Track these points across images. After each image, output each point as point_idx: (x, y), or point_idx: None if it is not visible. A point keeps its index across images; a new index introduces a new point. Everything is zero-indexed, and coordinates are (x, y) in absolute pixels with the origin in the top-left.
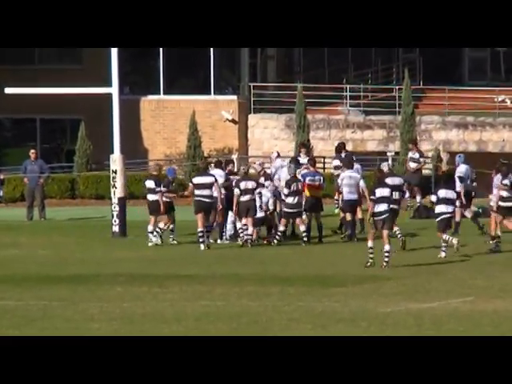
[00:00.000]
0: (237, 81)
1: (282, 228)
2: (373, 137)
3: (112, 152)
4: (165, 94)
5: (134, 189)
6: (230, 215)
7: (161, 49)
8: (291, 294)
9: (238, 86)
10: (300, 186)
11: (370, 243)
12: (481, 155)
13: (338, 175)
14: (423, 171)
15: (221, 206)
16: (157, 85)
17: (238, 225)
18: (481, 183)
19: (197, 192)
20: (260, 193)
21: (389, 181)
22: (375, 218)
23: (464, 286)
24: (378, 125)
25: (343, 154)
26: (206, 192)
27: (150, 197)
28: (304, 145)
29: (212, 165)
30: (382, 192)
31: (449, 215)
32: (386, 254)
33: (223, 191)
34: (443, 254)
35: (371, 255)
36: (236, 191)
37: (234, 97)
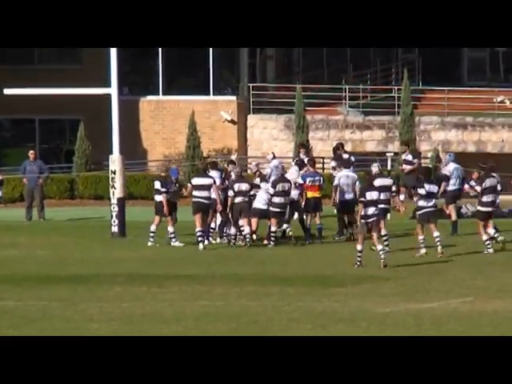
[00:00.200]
0: (236, 81)
1: (273, 228)
2: (372, 137)
3: (111, 152)
4: (164, 94)
5: (133, 189)
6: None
7: (160, 49)
8: (291, 294)
9: (237, 86)
10: (287, 187)
11: (359, 247)
12: (480, 155)
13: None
14: None
15: (220, 208)
16: (156, 85)
17: (233, 230)
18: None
19: (195, 193)
20: (254, 195)
21: (379, 182)
22: (363, 221)
23: (463, 286)
24: (377, 125)
25: (345, 156)
26: (204, 193)
27: (157, 197)
28: (303, 145)
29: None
30: (370, 196)
31: (430, 209)
32: (381, 253)
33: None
34: (423, 251)
35: (359, 258)
36: (230, 193)
37: (233, 97)
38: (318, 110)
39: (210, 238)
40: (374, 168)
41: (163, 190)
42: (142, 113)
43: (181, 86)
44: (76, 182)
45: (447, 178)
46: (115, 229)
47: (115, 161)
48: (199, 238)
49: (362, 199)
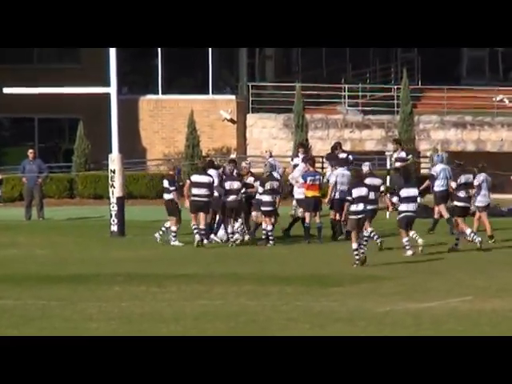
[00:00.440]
0: (235, 80)
1: (269, 227)
2: (371, 136)
3: (110, 151)
4: (163, 93)
5: (132, 188)
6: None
7: (159, 49)
8: (289, 293)
9: (237, 85)
10: (276, 186)
11: (354, 245)
12: (479, 154)
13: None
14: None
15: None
16: (155, 84)
17: (229, 229)
18: None
19: (194, 191)
20: (245, 192)
21: (368, 181)
22: (351, 217)
23: (463, 285)
24: (376, 124)
25: (343, 155)
26: (202, 191)
27: (166, 196)
28: (302, 145)
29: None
30: (359, 192)
31: (411, 213)
32: (355, 253)
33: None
34: (409, 252)
35: (357, 256)
36: (220, 191)
37: (233, 96)
38: (317, 109)
39: (212, 235)
40: (365, 167)
41: (172, 188)
42: (141, 112)
43: (180, 86)
44: (75, 182)
45: (433, 178)
46: (114, 228)
47: (114, 160)
48: (195, 231)
49: (348, 198)
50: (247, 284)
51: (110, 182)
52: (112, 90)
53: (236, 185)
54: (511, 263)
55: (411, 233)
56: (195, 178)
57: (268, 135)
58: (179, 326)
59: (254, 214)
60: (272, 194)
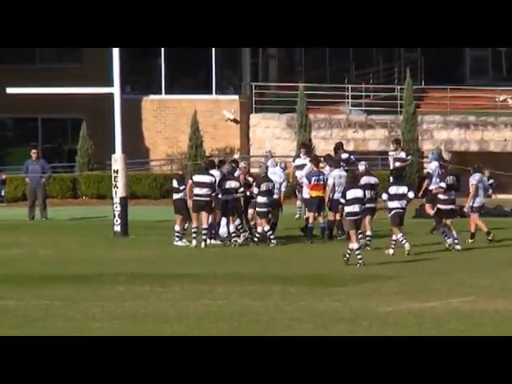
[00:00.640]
0: (238, 80)
1: (266, 228)
2: (374, 136)
3: (113, 152)
4: (166, 93)
5: (135, 188)
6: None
7: (162, 48)
8: (292, 293)
9: (240, 85)
10: (271, 187)
11: (354, 245)
12: (482, 154)
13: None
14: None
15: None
16: (158, 84)
17: (231, 228)
18: None
19: (196, 190)
20: (243, 192)
21: (364, 180)
22: (348, 218)
23: (465, 285)
24: (379, 124)
25: (345, 155)
26: (204, 191)
27: (175, 196)
28: (304, 145)
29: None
30: (354, 193)
31: (401, 210)
32: (354, 253)
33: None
34: (391, 251)
35: (359, 256)
36: (218, 190)
37: (236, 96)
38: (320, 109)
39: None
40: (361, 166)
41: (181, 188)
42: (144, 112)
43: (183, 86)
44: (78, 182)
45: (429, 176)
46: (118, 228)
47: (117, 160)
48: (194, 234)
49: (342, 200)
50: (250, 284)
51: (113, 182)
52: (115, 89)
53: (234, 184)
54: None
55: (399, 235)
56: (197, 177)
57: (271, 135)
58: (182, 326)
59: (250, 211)
60: (267, 195)
